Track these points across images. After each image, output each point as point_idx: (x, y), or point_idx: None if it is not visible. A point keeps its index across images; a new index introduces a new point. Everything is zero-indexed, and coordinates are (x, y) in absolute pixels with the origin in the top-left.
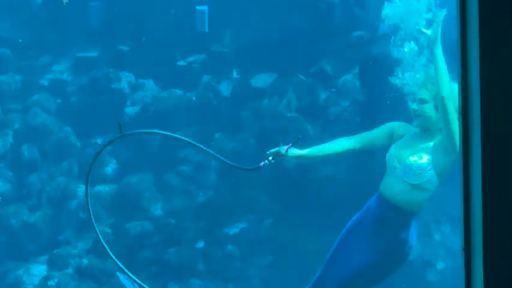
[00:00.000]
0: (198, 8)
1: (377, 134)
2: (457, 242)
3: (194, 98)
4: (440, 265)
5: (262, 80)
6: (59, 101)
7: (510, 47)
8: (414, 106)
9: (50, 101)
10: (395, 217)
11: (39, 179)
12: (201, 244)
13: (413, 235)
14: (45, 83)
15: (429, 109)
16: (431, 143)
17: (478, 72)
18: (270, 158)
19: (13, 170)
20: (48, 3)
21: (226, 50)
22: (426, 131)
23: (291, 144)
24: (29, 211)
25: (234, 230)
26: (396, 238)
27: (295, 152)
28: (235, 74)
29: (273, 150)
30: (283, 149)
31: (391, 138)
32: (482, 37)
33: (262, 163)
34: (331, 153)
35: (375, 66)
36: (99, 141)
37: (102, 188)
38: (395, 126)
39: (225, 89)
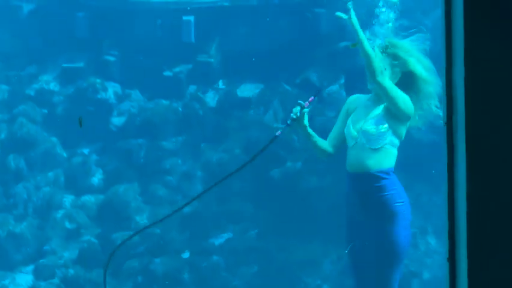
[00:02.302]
0: (184, 18)
1: (339, 122)
2: (442, 252)
3: (180, 108)
4: (426, 275)
5: (248, 90)
6: (45, 111)
7: (494, 56)
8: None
9: (36, 111)
10: (372, 183)
11: (25, 189)
12: (186, 254)
13: (399, 190)
14: (32, 93)
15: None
16: (383, 107)
17: (462, 82)
18: (288, 122)
19: None
20: (35, 12)
21: (212, 60)
22: (376, 98)
23: (312, 98)
24: (15, 221)
25: (219, 240)
26: (386, 197)
27: (308, 126)
28: (221, 85)
29: (295, 109)
30: (304, 104)
31: (348, 114)
32: (467, 46)
33: (279, 131)
34: (323, 149)
35: (362, 77)
36: (85, 151)
37: (88, 198)
38: (347, 103)
39: (211, 99)
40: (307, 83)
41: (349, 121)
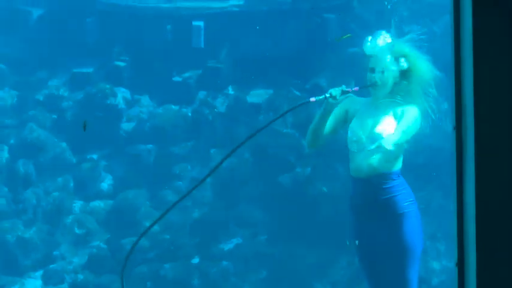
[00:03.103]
0: (194, 23)
1: (332, 120)
2: (451, 257)
3: (190, 114)
4: (435, 281)
5: (257, 95)
6: (54, 116)
7: (503, 61)
8: (376, 77)
9: (45, 116)
10: (382, 185)
11: (34, 194)
12: (196, 260)
13: (408, 190)
14: (41, 98)
15: (389, 78)
16: (391, 109)
17: (471, 87)
18: (327, 95)
19: (8, 185)
20: (45, 18)
21: (222, 66)
22: (379, 99)
23: (357, 88)
24: (24, 226)
25: (228, 245)
26: (397, 198)
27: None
28: (230, 90)
29: (337, 89)
30: (348, 89)
31: (346, 115)
32: (476, 52)
33: (313, 98)
34: (317, 139)
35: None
36: (94, 156)
37: (97, 204)
38: (346, 103)
39: (221, 104)
40: (316, 89)
41: (353, 125)
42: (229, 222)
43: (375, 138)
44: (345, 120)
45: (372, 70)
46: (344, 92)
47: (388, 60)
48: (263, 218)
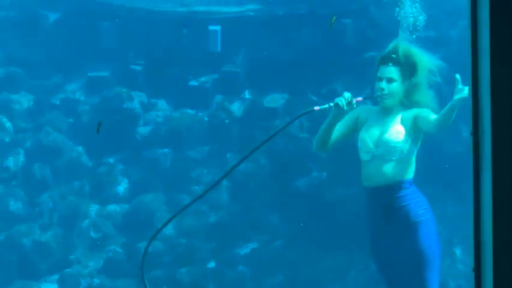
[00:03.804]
0: (210, 28)
1: (342, 126)
2: (468, 262)
3: (206, 118)
4: (452, 285)
5: (274, 100)
6: (70, 120)
7: None
8: (383, 86)
9: (61, 120)
10: (395, 193)
11: (50, 198)
12: (212, 264)
13: (421, 197)
14: (57, 102)
15: (397, 88)
16: (399, 117)
17: (488, 92)
18: (332, 104)
19: (24, 189)
20: (61, 22)
21: (238, 70)
22: (387, 108)
23: (361, 98)
24: (41, 230)
25: (245, 250)
26: (410, 206)
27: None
28: (247, 94)
29: (346, 96)
30: (354, 100)
31: (356, 123)
32: (493, 56)
33: (317, 107)
34: (326, 143)
35: None
36: (111, 160)
37: (113, 208)
38: (357, 111)
39: (237, 109)
40: (333, 94)
41: (363, 134)
42: (245, 227)
43: (384, 146)
44: (355, 127)
45: (380, 79)
46: (349, 103)
47: (396, 69)
48: (279, 223)
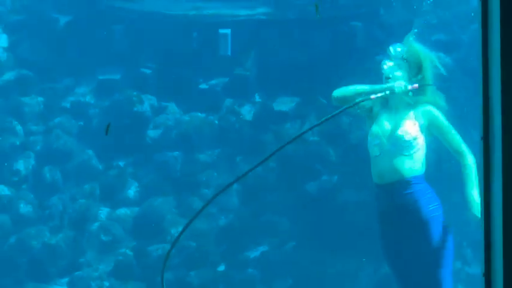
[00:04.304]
0: (221, 31)
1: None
2: (477, 267)
3: (216, 121)
4: None
5: (284, 103)
6: (81, 123)
7: None
8: (393, 83)
9: (72, 123)
10: (407, 190)
11: (60, 201)
12: (222, 267)
13: (432, 193)
14: (68, 105)
15: (402, 76)
16: (412, 113)
17: (499, 96)
18: (388, 92)
19: (35, 191)
20: (72, 25)
21: (249, 74)
22: (397, 104)
23: (417, 85)
24: (51, 233)
25: (254, 253)
26: (422, 203)
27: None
28: (257, 98)
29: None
30: (409, 87)
31: (371, 112)
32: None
33: (374, 96)
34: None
35: None
36: (121, 163)
37: (124, 211)
38: (374, 102)
39: (247, 112)
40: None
41: (375, 128)
42: (255, 230)
43: (395, 141)
44: (368, 115)
45: (387, 78)
46: (405, 91)
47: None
48: (289, 226)
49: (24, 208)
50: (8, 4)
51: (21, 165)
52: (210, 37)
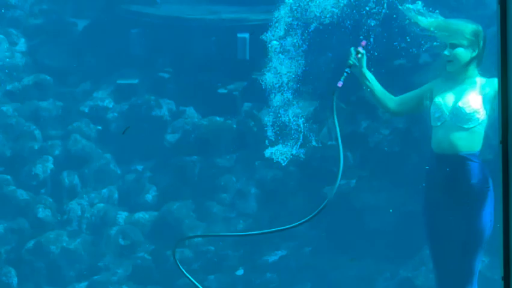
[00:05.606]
0: (239, 35)
1: (417, 91)
2: (496, 271)
3: (234, 126)
4: None
5: (303, 107)
6: (99, 127)
7: None
8: (446, 52)
9: (90, 127)
10: (463, 166)
11: (79, 205)
12: (240, 271)
13: (487, 174)
14: (86, 109)
15: (461, 52)
16: (478, 85)
17: None
18: (347, 70)
19: (53, 196)
20: (90, 29)
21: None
22: (459, 76)
23: (365, 42)
24: (69, 237)
25: (273, 257)
26: (476, 182)
27: (366, 71)
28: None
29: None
30: (358, 49)
31: (432, 93)
32: None
33: (340, 82)
34: (384, 99)
35: None
36: (139, 168)
37: (142, 215)
38: (433, 83)
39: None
40: (362, 101)
41: (438, 99)
42: (273, 234)
43: (456, 112)
44: (430, 98)
45: (444, 47)
46: (357, 52)
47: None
48: (308, 230)
49: (43, 212)
50: (26, 9)
51: (40, 170)
52: (228, 41)
